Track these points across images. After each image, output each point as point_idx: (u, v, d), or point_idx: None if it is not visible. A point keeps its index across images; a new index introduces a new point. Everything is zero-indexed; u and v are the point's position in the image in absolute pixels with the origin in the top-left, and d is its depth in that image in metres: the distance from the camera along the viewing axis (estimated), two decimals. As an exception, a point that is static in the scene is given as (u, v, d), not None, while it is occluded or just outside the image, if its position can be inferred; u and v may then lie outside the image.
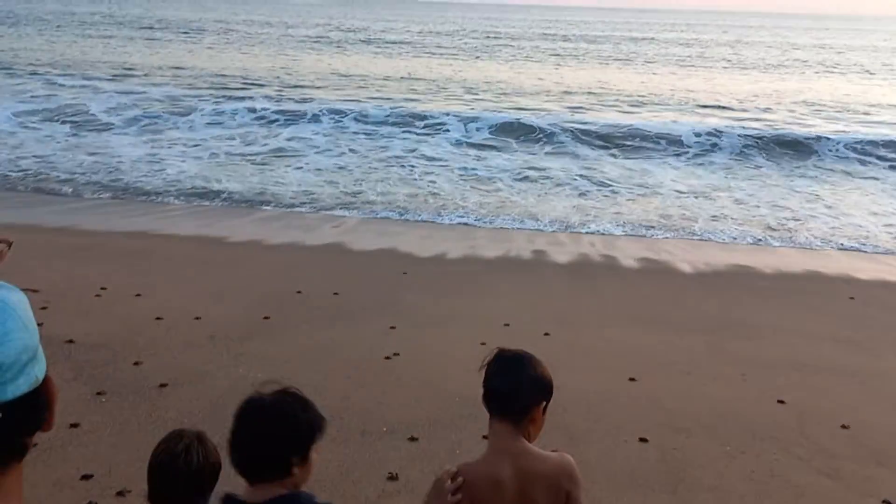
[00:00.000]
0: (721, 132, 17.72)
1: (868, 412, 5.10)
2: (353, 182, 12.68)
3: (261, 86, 24.11)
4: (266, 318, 6.28)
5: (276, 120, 18.25)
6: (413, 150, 15.57)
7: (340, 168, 13.82)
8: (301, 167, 13.75)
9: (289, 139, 16.37)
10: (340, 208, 11.07)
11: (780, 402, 5.17)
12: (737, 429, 4.77)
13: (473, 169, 14.12)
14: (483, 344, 5.82)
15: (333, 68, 30.85)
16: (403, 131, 17.48)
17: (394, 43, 48.12)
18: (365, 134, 17.16)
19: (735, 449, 4.52)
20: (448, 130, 17.60)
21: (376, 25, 69.96)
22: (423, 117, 18.77)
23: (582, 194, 12.58)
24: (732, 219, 11.18)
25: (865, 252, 9.96)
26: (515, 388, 2.20)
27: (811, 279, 8.48)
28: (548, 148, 16.54)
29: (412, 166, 14.13)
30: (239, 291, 6.98)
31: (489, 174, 13.76)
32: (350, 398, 4.90)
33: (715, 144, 16.98)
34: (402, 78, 28.32)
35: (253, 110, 18.99)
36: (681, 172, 14.66)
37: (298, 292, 6.97)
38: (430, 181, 13.01)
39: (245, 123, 17.88)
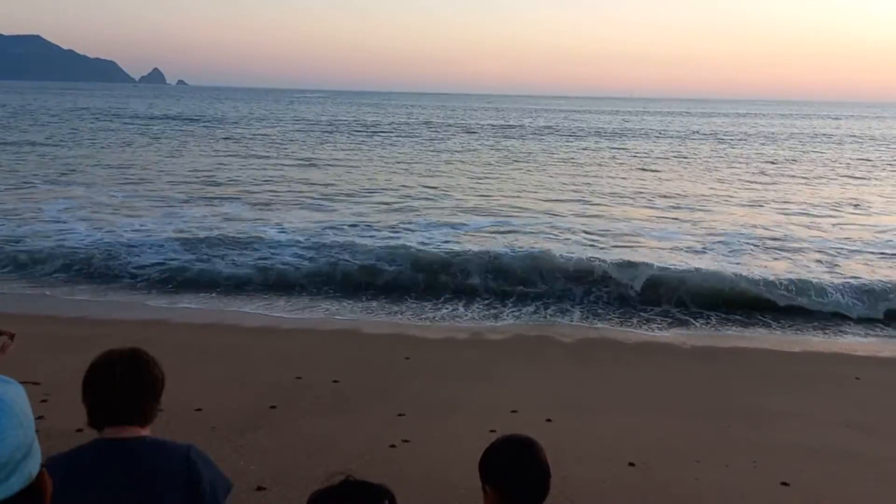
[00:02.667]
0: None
1: (886, 500, 4.96)
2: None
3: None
4: (273, 407, 6.23)
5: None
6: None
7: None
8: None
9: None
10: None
11: (788, 487, 5.04)
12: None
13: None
14: (493, 431, 5.76)
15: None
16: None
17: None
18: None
19: (747, 540, 4.38)
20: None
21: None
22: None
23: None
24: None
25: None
26: (545, 474, 2.11)
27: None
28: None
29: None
30: (241, 380, 6.93)
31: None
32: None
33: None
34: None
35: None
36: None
37: (299, 378, 6.93)
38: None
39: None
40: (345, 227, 15.67)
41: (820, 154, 40.60)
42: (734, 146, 45.19)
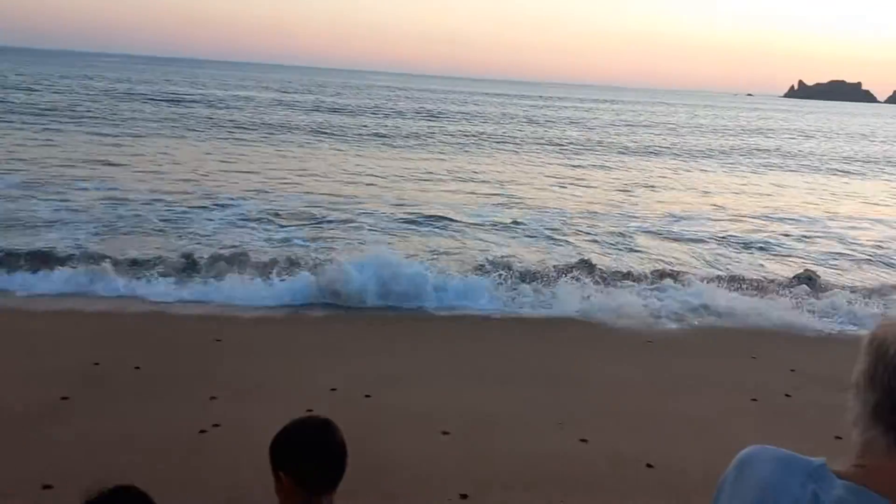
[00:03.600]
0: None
1: (669, 451, 5.40)
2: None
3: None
4: (64, 398, 5.67)
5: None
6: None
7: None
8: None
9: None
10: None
11: (586, 443, 5.37)
12: (557, 480, 4.87)
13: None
14: (310, 411, 5.63)
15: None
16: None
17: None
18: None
19: (556, 499, 4.60)
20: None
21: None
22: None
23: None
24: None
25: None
26: (343, 454, 2.08)
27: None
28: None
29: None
30: (25, 370, 6.25)
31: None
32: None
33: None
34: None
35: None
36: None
37: (96, 364, 6.38)
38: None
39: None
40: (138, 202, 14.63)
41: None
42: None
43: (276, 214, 14.52)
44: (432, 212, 15.80)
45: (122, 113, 34.26)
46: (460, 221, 15.13)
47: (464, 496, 4.51)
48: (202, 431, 5.27)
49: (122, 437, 5.14)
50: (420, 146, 30.06)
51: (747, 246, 14.77)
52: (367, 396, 6.09)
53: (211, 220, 13.76)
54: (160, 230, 12.75)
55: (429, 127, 39.79)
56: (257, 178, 18.93)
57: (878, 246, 15.73)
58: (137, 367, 6.49)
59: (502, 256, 12.10)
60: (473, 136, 36.12)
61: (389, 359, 7.28)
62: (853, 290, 11.31)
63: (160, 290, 9.21)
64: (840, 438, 5.50)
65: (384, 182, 19.90)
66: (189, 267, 10.28)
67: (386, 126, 38.08)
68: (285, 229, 13.48)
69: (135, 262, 10.21)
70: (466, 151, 29.20)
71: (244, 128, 31.99)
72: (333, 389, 6.23)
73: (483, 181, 21.25)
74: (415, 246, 12.87)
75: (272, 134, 30.40)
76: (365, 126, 37.01)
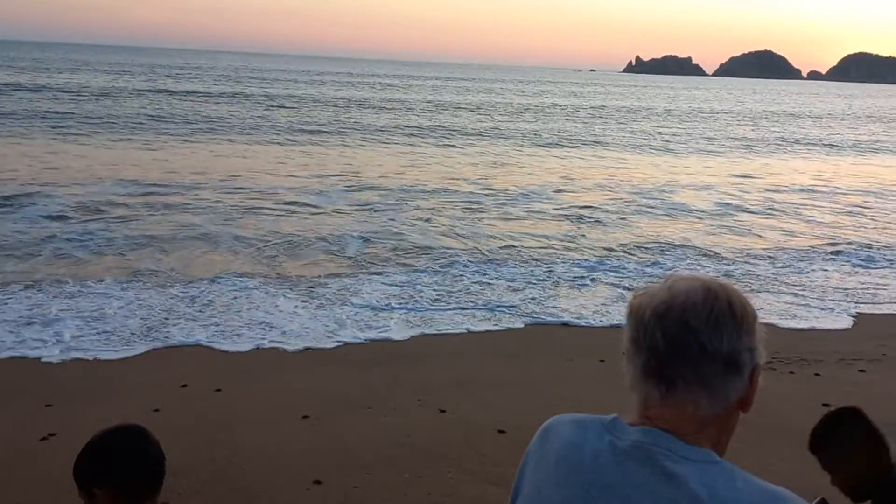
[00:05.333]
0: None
1: (520, 416, 5.64)
2: None
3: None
4: None
5: None
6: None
7: None
8: None
9: None
10: None
11: (446, 416, 5.52)
12: (413, 454, 4.96)
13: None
14: (157, 411, 5.42)
15: None
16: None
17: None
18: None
19: (413, 475, 4.69)
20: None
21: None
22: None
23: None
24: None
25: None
26: (160, 459, 2.05)
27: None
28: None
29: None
30: None
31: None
32: None
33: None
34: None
35: None
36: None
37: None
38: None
39: None
40: None
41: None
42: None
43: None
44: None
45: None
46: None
47: (317, 482, 4.50)
48: (42, 439, 4.95)
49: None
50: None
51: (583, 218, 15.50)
52: (218, 391, 5.94)
53: None
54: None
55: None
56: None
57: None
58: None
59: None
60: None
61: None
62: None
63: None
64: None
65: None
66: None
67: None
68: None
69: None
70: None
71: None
72: (184, 385, 6.05)
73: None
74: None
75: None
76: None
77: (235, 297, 8.71)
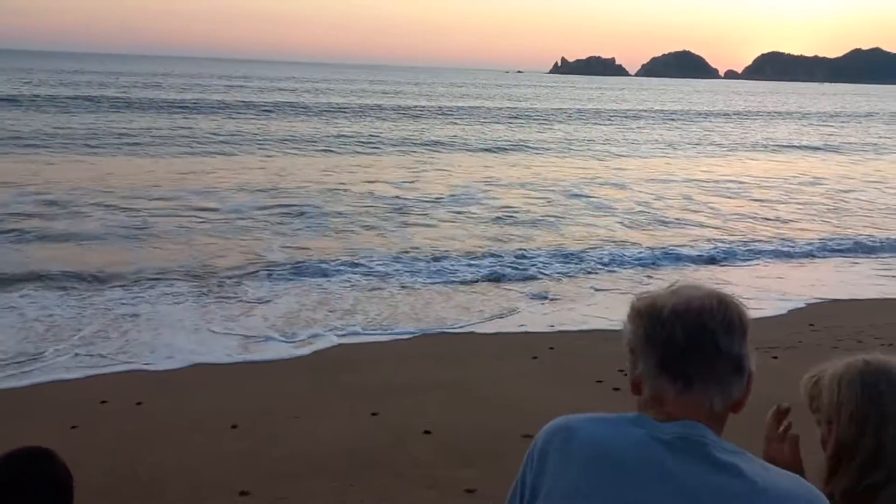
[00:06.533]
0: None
1: (448, 416, 5.65)
2: None
3: None
4: None
5: None
6: None
7: None
8: None
9: None
10: None
11: (376, 421, 5.49)
12: (344, 461, 4.90)
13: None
14: (75, 427, 5.23)
15: None
16: None
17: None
18: None
19: (344, 483, 4.63)
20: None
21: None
22: None
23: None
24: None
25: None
26: (67, 480, 1.96)
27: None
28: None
29: None
30: None
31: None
32: None
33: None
34: None
35: None
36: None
37: None
38: None
39: None
40: None
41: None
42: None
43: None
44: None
45: None
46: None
47: (244, 493, 4.40)
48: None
49: None
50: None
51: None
52: (139, 404, 5.75)
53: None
54: None
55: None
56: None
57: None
58: None
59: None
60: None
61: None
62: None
63: None
64: (601, 382, 6.10)
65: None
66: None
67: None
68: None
69: None
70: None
71: None
72: (104, 402, 5.83)
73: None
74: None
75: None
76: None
77: (154, 309, 8.49)
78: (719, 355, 1.31)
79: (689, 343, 1.31)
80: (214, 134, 29.05)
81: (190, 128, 30.72)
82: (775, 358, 6.79)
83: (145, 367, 6.80)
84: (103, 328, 7.77)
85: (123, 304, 8.60)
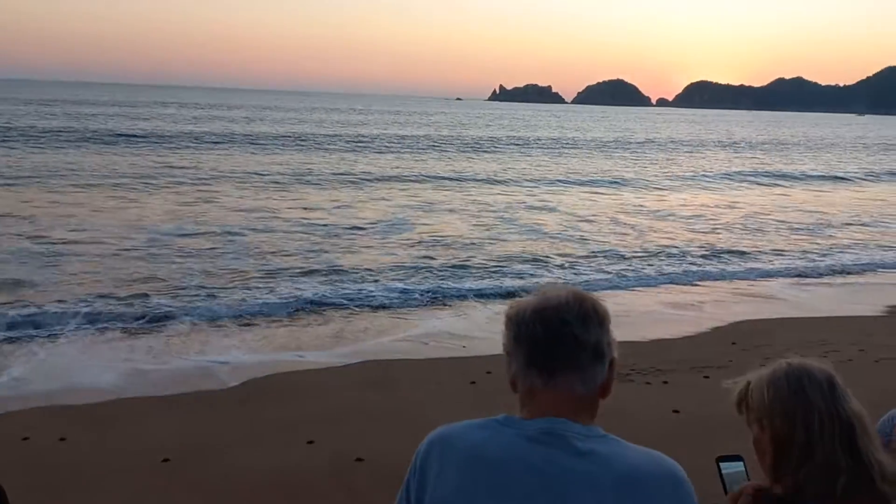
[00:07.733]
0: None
1: (381, 444, 5.55)
2: None
3: None
4: None
5: None
6: None
7: None
8: None
9: None
10: None
11: (311, 450, 5.40)
12: (279, 492, 4.80)
13: None
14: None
15: None
16: None
17: None
18: None
19: (278, 512, 4.55)
20: None
21: None
22: None
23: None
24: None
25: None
26: None
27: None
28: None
29: None
30: None
31: None
32: None
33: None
34: None
35: None
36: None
37: None
38: None
39: None
40: None
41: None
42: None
43: None
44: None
45: None
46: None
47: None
48: None
49: None
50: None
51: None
52: (63, 440, 5.53)
53: None
54: None
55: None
56: None
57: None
58: None
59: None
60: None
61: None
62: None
63: None
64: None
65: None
66: None
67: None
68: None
69: None
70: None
71: None
72: (26, 438, 5.58)
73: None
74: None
75: None
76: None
77: (75, 340, 8.23)
78: (578, 345, 1.43)
79: (549, 337, 1.44)
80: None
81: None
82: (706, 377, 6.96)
83: (67, 401, 6.55)
84: (21, 361, 7.47)
85: (41, 336, 8.29)
